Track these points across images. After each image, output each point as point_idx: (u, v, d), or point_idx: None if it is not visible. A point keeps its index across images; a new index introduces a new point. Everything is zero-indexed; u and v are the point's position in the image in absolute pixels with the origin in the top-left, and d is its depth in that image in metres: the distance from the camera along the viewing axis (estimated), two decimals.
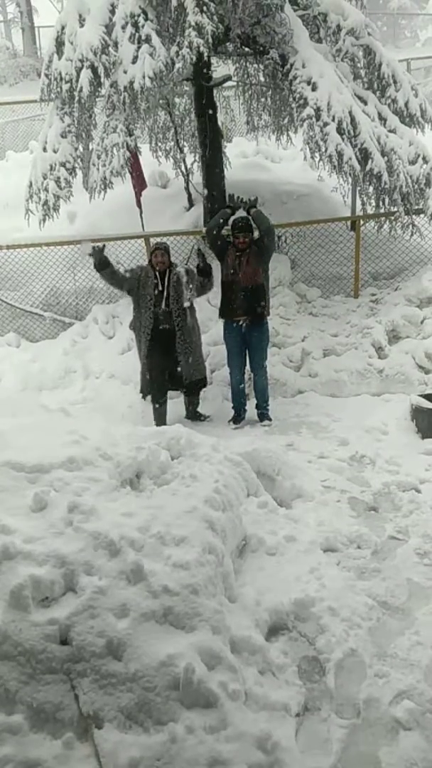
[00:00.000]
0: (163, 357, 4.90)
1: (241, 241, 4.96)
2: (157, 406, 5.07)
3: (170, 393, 5.21)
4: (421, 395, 4.89)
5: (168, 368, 4.96)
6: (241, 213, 5.14)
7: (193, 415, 5.26)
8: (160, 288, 4.82)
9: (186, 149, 7.27)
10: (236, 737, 2.12)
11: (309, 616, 2.74)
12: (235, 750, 2.09)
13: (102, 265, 4.92)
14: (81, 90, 5.57)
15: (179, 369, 4.93)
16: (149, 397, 5.15)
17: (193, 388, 5.13)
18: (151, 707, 2.17)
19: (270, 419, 5.18)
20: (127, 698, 2.19)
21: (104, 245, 5.08)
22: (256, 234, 5.11)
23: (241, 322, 5.03)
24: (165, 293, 4.81)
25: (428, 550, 3.30)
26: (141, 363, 5.06)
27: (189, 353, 4.92)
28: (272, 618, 2.73)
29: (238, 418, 5.24)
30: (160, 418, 5.06)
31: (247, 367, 5.26)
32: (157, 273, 4.87)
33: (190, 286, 4.89)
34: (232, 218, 5.13)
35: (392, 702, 2.40)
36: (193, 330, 4.99)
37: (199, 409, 5.34)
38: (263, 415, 5.21)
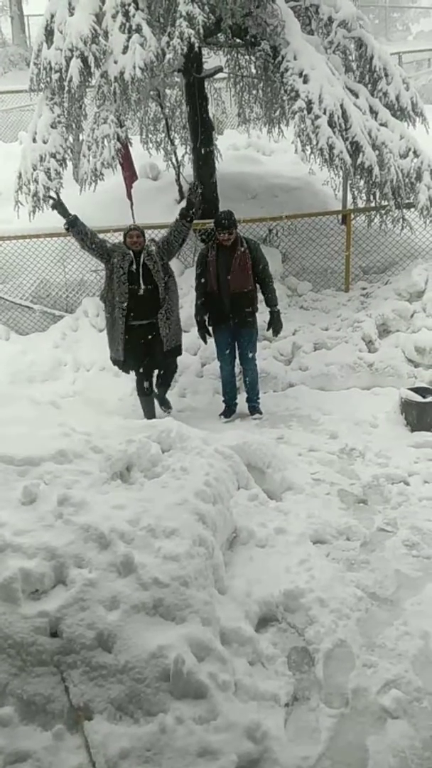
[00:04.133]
0: (142, 344, 4.79)
1: (225, 238, 4.81)
2: (142, 395, 5.02)
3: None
4: (410, 388, 4.92)
5: (147, 351, 4.83)
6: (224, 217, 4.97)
7: (161, 399, 5.18)
8: (135, 266, 4.69)
9: (177, 141, 7.22)
10: (226, 727, 2.14)
11: (298, 607, 2.76)
12: (224, 740, 2.10)
13: (71, 223, 4.74)
14: (71, 80, 5.50)
15: (161, 333, 4.77)
16: (136, 393, 5.10)
17: (170, 357, 4.97)
18: (141, 698, 2.18)
19: (260, 412, 5.19)
20: (117, 690, 2.20)
21: (58, 193, 4.84)
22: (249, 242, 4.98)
23: (230, 322, 4.99)
24: (140, 272, 4.68)
25: (416, 541, 3.33)
26: (109, 334, 4.90)
27: (169, 319, 4.79)
28: (262, 609, 2.75)
29: (228, 411, 5.24)
30: (149, 410, 5.04)
31: (237, 360, 5.26)
32: (131, 252, 4.73)
33: (164, 259, 4.76)
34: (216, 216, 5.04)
35: (380, 691, 2.43)
36: (173, 298, 4.85)
37: (191, 402, 5.31)
38: (254, 409, 5.21)
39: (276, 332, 5.20)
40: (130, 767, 2.04)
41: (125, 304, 4.70)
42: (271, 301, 5.06)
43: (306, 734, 2.27)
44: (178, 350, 4.98)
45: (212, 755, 2.06)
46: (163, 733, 2.10)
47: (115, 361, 4.99)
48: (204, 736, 2.10)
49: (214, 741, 2.09)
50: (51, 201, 4.81)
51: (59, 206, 4.79)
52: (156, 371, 5.07)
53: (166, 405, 5.22)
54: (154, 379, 5.10)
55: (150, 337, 4.79)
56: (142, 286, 4.69)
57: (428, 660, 2.57)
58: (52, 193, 4.81)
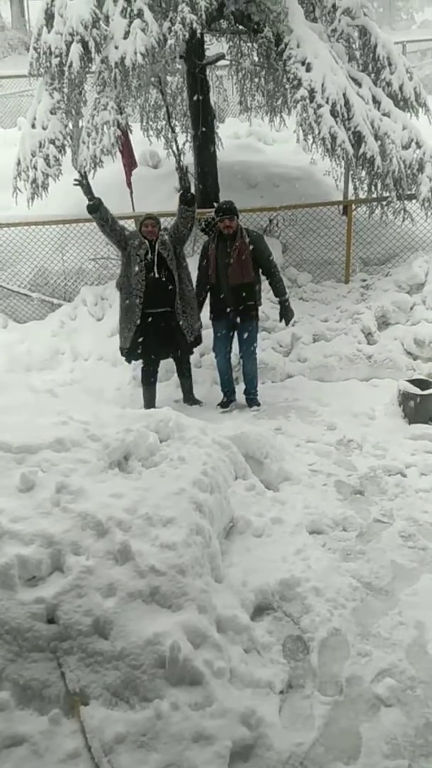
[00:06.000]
0: (155, 331, 4.81)
1: (226, 225, 4.77)
2: (146, 384, 5.02)
3: (159, 377, 5.18)
4: (408, 381, 4.92)
5: (160, 340, 4.86)
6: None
7: (189, 398, 5.23)
8: (150, 255, 4.70)
9: (178, 129, 7.16)
10: (221, 713, 2.16)
11: (294, 596, 2.78)
12: (219, 726, 2.12)
13: (95, 206, 4.69)
14: (71, 65, 5.45)
15: (179, 326, 4.82)
16: (140, 381, 5.11)
17: (188, 348, 5.04)
18: (137, 684, 2.20)
19: (258, 404, 5.18)
20: (114, 676, 2.21)
21: (86, 173, 4.72)
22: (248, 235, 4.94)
23: (230, 314, 4.97)
24: (155, 260, 4.70)
25: (412, 532, 3.35)
26: (122, 322, 4.90)
27: (185, 312, 4.84)
28: (258, 598, 2.76)
29: (227, 402, 5.24)
30: (150, 400, 5.04)
31: (235, 351, 5.25)
32: (147, 241, 4.75)
33: (177, 247, 4.78)
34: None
35: (374, 680, 2.45)
36: (187, 287, 4.89)
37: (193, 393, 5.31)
38: (252, 401, 5.20)
39: (287, 321, 5.16)
40: (126, 752, 2.06)
41: (143, 291, 4.70)
42: (279, 291, 5.02)
43: (300, 721, 2.29)
44: (199, 339, 5.03)
45: (207, 741, 2.08)
46: (159, 718, 2.12)
47: (122, 350, 4.97)
48: (199, 722, 2.12)
49: (209, 727, 2.11)
50: (76, 180, 4.68)
51: (85, 186, 4.68)
52: (167, 360, 5.12)
53: (199, 403, 5.21)
54: (159, 374, 5.14)
55: (167, 326, 4.80)
56: (157, 275, 4.70)
57: (422, 649, 2.59)
58: (77, 174, 4.69)
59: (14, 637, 2.24)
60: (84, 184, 4.68)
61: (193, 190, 6.52)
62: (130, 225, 6.45)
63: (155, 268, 4.70)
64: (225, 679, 2.28)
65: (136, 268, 4.71)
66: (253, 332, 5.11)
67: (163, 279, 4.72)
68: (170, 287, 4.75)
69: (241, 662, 2.40)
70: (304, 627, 2.66)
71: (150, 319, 4.79)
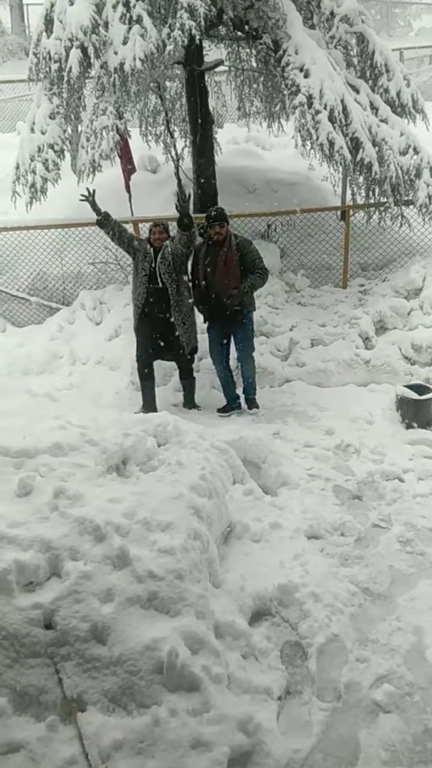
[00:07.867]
0: (152, 332, 4.90)
1: (216, 232, 4.81)
2: (143, 380, 5.05)
3: (158, 381, 5.19)
4: (406, 386, 4.93)
5: (157, 341, 4.95)
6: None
7: (188, 403, 5.23)
8: (153, 265, 4.80)
9: (176, 134, 7.19)
10: (219, 720, 2.15)
11: (292, 601, 2.77)
12: (217, 732, 2.11)
13: (101, 222, 4.81)
14: (70, 70, 5.46)
15: (177, 335, 4.91)
16: (138, 383, 5.13)
17: (185, 359, 5.10)
18: (135, 690, 2.19)
19: (258, 406, 5.18)
20: (111, 682, 2.21)
21: (94, 191, 4.81)
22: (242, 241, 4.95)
23: (222, 319, 4.97)
24: (156, 271, 4.78)
25: (410, 537, 3.35)
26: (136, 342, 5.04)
27: (185, 324, 4.91)
28: (256, 603, 2.76)
29: (228, 407, 5.21)
30: (149, 401, 5.03)
31: (234, 355, 5.25)
32: (152, 249, 4.83)
33: (177, 262, 4.83)
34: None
35: (372, 686, 2.45)
36: (186, 299, 4.93)
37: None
38: (251, 402, 5.20)
39: (227, 305, 4.81)
40: (123, 759, 2.05)
41: (142, 301, 4.85)
42: (246, 282, 4.82)
43: (298, 727, 2.29)
44: (195, 350, 5.11)
45: (205, 747, 2.07)
46: (156, 725, 2.11)
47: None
48: (197, 729, 2.11)
49: (206, 733, 2.10)
50: (82, 197, 4.80)
51: (91, 203, 4.81)
52: (168, 364, 5.23)
53: (197, 408, 5.24)
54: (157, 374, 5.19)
55: (163, 334, 4.91)
56: (159, 284, 4.81)
57: (420, 655, 2.59)
58: (86, 191, 4.81)
59: (11, 643, 2.23)
60: (90, 201, 4.79)
61: (192, 202, 6.56)
62: (128, 229, 6.47)
63: (158, 277, 4.80)
64: (223, 685, 2.27)
65: (141, 281, 4.83)
66: (247, 335, 5.10)
67: (161, 289, 4.80)
68: (168, 298, 4.82)
69: (239, 668, 2.39)
70: (302, 633, 2.65)
71: (149, 324, 4.88)
